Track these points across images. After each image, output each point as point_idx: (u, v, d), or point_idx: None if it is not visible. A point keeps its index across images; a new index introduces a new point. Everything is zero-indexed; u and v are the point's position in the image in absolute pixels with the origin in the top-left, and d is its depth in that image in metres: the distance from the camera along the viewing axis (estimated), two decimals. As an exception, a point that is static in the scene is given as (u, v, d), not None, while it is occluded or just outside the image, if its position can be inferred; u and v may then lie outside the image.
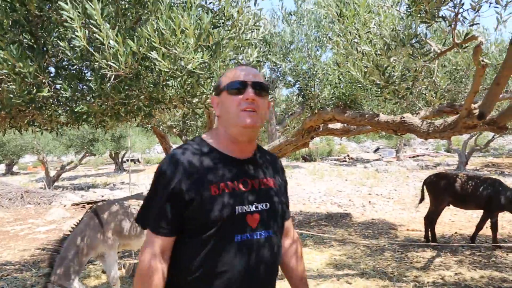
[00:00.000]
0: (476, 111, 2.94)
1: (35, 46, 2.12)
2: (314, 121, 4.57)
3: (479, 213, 6.34)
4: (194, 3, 1.83)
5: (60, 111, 2.55)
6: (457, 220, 8.13)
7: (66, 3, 1.73)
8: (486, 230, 6.36)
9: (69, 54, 1.90)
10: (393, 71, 3.20)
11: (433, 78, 3.38)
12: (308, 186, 14.56)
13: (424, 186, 6.55)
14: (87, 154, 18.29)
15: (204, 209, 1.25)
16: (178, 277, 1.30)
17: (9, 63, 1.76)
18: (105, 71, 1.90)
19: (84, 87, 2.34)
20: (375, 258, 5.71)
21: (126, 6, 2.14)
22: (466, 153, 19.28)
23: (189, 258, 1.28)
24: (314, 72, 4.53)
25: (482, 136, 21.08)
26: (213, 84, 2.54)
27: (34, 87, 2.03)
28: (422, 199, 6.61)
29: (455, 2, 2.41)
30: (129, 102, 2.32)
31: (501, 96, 3.76)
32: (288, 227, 1.59)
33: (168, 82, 2.25)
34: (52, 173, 17.17)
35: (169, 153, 1.37)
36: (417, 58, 2.88)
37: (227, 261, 1.26)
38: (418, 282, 4.65)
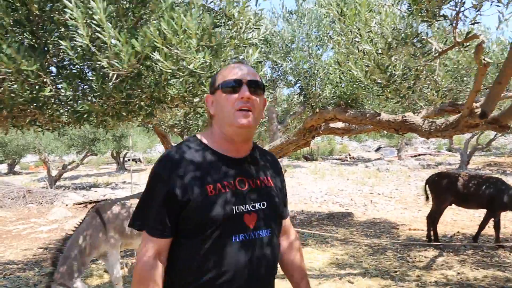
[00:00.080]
0: (478, 110, 2.93)
1: (36, 45, 2.13)
2: (316, 121, 4.57)
3: (481, 212, 6.33)
4: (197, 3, 1.83)
5: (61, 111, 2.56)
6: (459, 220, 8.12)
7: (70, 1, 1.74)
8: (489, 230, 6.35)
9: (71, 54, 1.90)
10: (394, 70, 3.19)
11: (435, 77, 3.38)
12: (310, 186, 14.55)
13: (427, 185, 6.54)
14: (88, 154, 18.31)
15: (200, 210, 1.23)
16: (176, 278, 1.29)
17: (14, 61, 1.76)
18: (107, 71, 1.90)
19: (85, 86, 2.34)
20: (377, 257, 5.70)
21: (127, 5, 2.14)
22: (467, 152, 19.25)
23: (187, 259, 1.27)
24: (315, 71, 4.53)
25: (484, 135, 21.05)
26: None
27: (37, 86, 2.04)
28: (427, 198, 6.57)
29: (456, 0, 2.40)
30: (130, 101, 2.33)
31: (503, 95, 3.75)
32: (286, 226, 1.58)
33: (169, 82, 2.26)
34: (54, 173, 17.21)
35: (164, 152, 1.35)
36: (418, 58, 2.88)
37: (225, 261, 1.25)
38: (420, 282, 4.65)
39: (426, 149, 35.21)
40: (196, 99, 2.61)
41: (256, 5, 2.45)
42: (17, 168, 29.15)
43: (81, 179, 21.66)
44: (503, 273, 4.86)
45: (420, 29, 2.96)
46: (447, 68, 3.89)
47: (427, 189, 6.52)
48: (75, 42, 1.87)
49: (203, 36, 1.86)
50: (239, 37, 2.38)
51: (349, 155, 31.72)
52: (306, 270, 1.59)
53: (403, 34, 2.87)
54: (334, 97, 4.32)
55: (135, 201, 4.27)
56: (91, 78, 2.25)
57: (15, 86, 2.03)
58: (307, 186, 14.41)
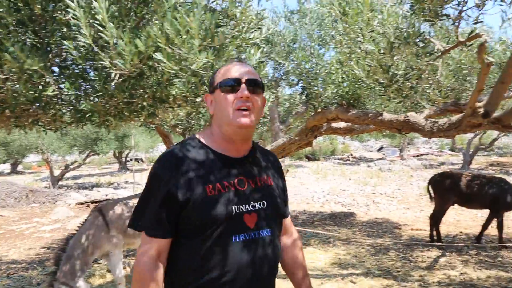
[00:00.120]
0: (481, 110, 2.92)
1: (39, 45, 2.13)
2: (318, 120, 4.56)
3: (484, 212, 6.31)
4: (200, 3, 1.83)
5: (64, 110, 2.56)
6: (462, 220, 8.09)
7: (72, 1, 1.74)
8: (492, 230, 6.32)
9: (74, 54, 1.90)
10: (397, 70, 3.18)
11: (437, 77, 3.37)
12: (312, 185, 14.54)
13: (429, 185, 6.51)
14: (91, 154, 18.35)
15: (200, 210, 1.23)
16: (177, 278, 1.29)
17: (18, 60, 1.77)
18: (109, 71, 1.90)
19: (87, 86, 2.35)
20: (380, 257, 5.70)
21: (129, 5, 2.14)
22: (470, 152, 19.18)
23: (187, 259, 1.27)
24: (317, 71, 4.52)
25: (486, 135, 20.94)
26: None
27: (40, 86, 2.04)
28: (431, 198, 6.51)
29: (459, 0, 2.40)
30: (132, 101, 2.33)
31: (506, 94, 3.73)
32: (287, 225, 1.57)
33: (171, 82, 2.26)
34: (56, 173, 17.26)
35: (163, 153, 1.34)
36: (421, 57, 2.87)
37: (226, 262, 1.24)
38: (423, 282, 4.64)
39: (428, 149, 35.11)
40: (199, 99, 2.61)
41: (258, 5, 2.45)
42: (19, 167, 29.23)
43: (84, 179, 21.71)
44: (507, 274, 4.85)
45: (422, 28, 2.95)
46: (449, 68, 3.88)
47: (430, 189, 6.49)
48: (78, 42, 1.88)
49: (205, 37, 1.86)
50: (241, 37, 2.38)
51: (351, 155, 31.66)
52: (307, 269, 1.58)
53: (405, 34, 2.86)
54: (336, 97, 4.31)
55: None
56: (93, 78, 2.26)
57: (18, 85, 2.03)
58: (309, 186, 14.39)
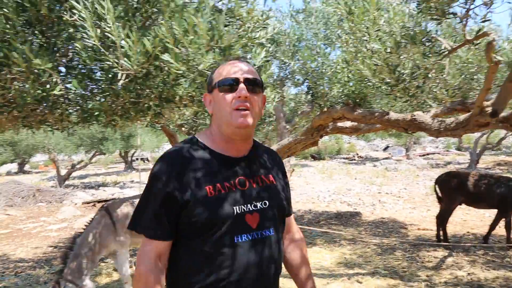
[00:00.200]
0: (489, 109, 2.90)
1: (46, 45, 2.15)
2: (324, 120, 4.55)
3: (491, 212, 6.26)
4: (208, 4, 1.83)
5: (70, 110, 2.58)
6: (469, 219, 8.03)
7: (78, 3, 1.75)
8: (499, 230, 6.27)
9: (83, 55, 1.91)
10: (403, 69, 3.17)
11: (444, 76, 3.34)
12: (317, 185, 14.51)
13: (436, 185, 6.46)
14: (97, 153, 18.45)
15: (200, 211, 1.21)
16: (179, 279, 1.28)
17: (26, 60, 1.78)
18: (116, 71, 1.91)
19: (93, 86, 2.36)
20: (386, 257, 5.67)
21: (135, 5, 2.15)
22: (477, 152, 19.03)
23: (188, 261, 1.25)
24: (323, 70, 4.50)
25: (493, 134, 20.77)
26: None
27: (47, 85, 2.06)
28: (439, 199, 6.44)
29: (466, -2, 2.38)
30: (139, 101, 2.34)
31: (514, 93, 3.69)
32: (290, 224, 1.55)
33: (178, 82, 2.26)
34: (63, 172, 17.37)
35: (163, 154, 1.33)
36: (428, 56, 2.85)
37: (228, 263, 1.22)
38: (430, 282, 4.61)
39: (435, 148, 34.89)
40: (205, 99, 2.61)
41: (264, 5, 2.45)
42: (27, 167, 29.46)
43: (90, 178, 21.84)
44: (514, 274, 4.81)
45: (429, 27, 2.93)
46: (456, 67, 3.85)
47: (437, 189, 6.44)
48: (85, 42, 1.89)
49: (213, 37, 1.86)
50: (247, 36, 2.37)
51: (357, 154, 31.55)
52: (311, 269, 1.56)
53: (412, 33, 2.84)
54: (342, 96, 4.29)
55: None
56: (100, 78, 2.27)
57: (26, 85, 2.05)
58: (314, 186, 14.37)
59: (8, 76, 2.04)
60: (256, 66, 2.40)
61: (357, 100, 4.19)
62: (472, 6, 2.40)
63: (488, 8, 2.33)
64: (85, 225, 3.78)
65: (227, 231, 1.23)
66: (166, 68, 2.07)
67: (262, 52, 2.46)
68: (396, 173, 17.69)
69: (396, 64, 3.09)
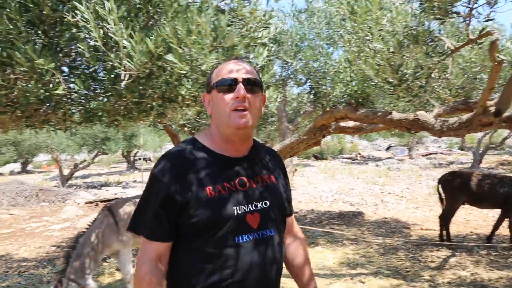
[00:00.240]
0: (492, 108, 2.88)
1: (48, 45, 2.15)
2: (326, 119, 4.54)
3: (494, 212, 6.24)
4: (211, 4, 1.83)
5: (73, 110, 2.59)
6: (472, 219, 8.01)
7: (81, 3, 1.75)
8: (503, 230, 6.24)
9: (88, 56, 1.91)
10: (406, 69, 3.16)
11: (447, 75, 3.33)
12: (320, 185, 14.50)
13: (439, 185, 6.44)
14: (99, 153, 18.49)
15: (201, 213, 1.20)
16: (179, 281, 1.27)
17: (29, 60, 1.79)
18: (119, 71, 1.91)
19: (97, 86, 2.37)
20: (389, 257, 5.66)
21: (137, 6, 2.15)
22: (480, 151, 18.97)
23: (189, 262, 1.25)
24: (326, 70, 4.50)
25: (497, 134, 20.70)
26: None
27: (50, 85, 2.06)
28: (441, 199, 6.38)
29: (470, -3, 2.37)
30: (142, 101, 2.34)
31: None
32: (291, 224, 1.54)
33: (181, 82, 2.26)
34: (66, 172, 17.42)
35: (162, 155, 1.32)
36: (431, 56, 2.84)
37: (229, 264, 1.22)
38: (433, 282, 4.60)
39: (437, 148, 34.81)
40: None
41: (267, 5, 2.45)
42: (29, 167, 29.58)
43: (92, 178, 21.90)
44: (518, 274, 4.79)
45: (432, 26, 2.92)
46: (459, 66, 3.83)
47: (440, 189, 6.41)
48: (87, 43, 1.89)
49: (217, 37, 1.86)
50: (249, 36, 2.37)
51: (359, 154, 31.52)
52: (312, 270, 1.55)
53: (414, 32, 2.84)
54: (345, 96, 4.29)
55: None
56: (103, 78, 2.27)
57: (28, 85, 2.06)
58: (317, 185, 14.36)
59: (11, 76, 2.04)
60: (258, 66, 2.40)
61: (360, 100, 4.18)
62: (475, 5, 2.39)
63: (491, 7, 2.32)
64: (88, 225, 3.79)
65: (228, 232, 1.22)
66: (169, 68, 2.07)
67: (265, 51, 2.46)
68: (399, 173, 17.65)
69: (399, 63, 3.08)
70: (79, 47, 1.96)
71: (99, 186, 17.04)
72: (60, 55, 2.25)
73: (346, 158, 30.52)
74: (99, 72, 2.39)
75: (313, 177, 17.41)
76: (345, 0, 3.28)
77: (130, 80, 2.04)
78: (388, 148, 34.82)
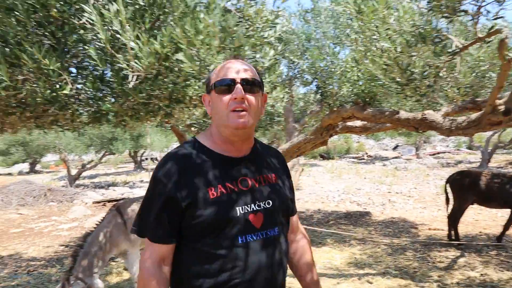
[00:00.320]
0: (501, 107, 2.85)
1: (56, 46, 2.17)
2: (333, 119, 4.53)
3: (504, 212, 6.17)
4: (219, 4, 1.83)
5: (81, 111, 2.61)
6: (481, 219, 7.93)
7: (88, 5, 1.76)
8: (512, 230, 6.18)
9: (96, 58, 1.92)
10: (414, 68, 3.13)
11: (455, 74, 3.30)
12: (326, 184, 14.45)
13: (447, 185, 6.37)
14: (107, 153, 18.60)
15: (203, 213, 1.20)
16: (183, 282, 1.27)
17: (35, 60, 1.80)
18: (126, 72, 1.92)
19: (104, 87, 2.38)
20: (397, 257, 5.63)
21: (142, 8, 2.16)
22: (488, 150, 18.78)
23: (192, 263, 1.24)
24: (332, 70, 4.48)
25: (505, 133, 20.48)
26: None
27: (58, 85, 2.08)
28: (447, 199, 6.29)
29: (478, -5, 2.34)
30: (149, 102, 2.35)
31: (527, 91, 3.63)
32: (294, 223, 1.53)
33: (187, 82, 2.27)
34: (74, 172, 17.56)
35: (163, 157, 1.32)
36: (439, 55, 2.82)
37: (233, 264, 1.21)
38: (441, 283, 4.56)
39: (445, 147, 34.54)
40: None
41: (273, 6, 2.45)
42: (38, 167, 29.83)
43: (100, 178, 22.04)
44: (528, 275, 4.73)
45: (439, 25, 2.90)
46: (468, 65, 3.80)
47: (447, 189, 6.34)
48: (95, 44, 1.90)
49: (225, 38, 1.86)
50: (256, 36, 2.37)
51: (366, 153, 31.37)
52: (316, 270, 1.53)
53: (422, 31, 2.81)
54: (352, 95, 4.27)
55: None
56: (110, 79, 2.28)
57: (36, 85, 2.07)
58: (323, 185, 14.31)
59: (19, 76, 2.06)
60: (265, 66, 2.39)
61: (367, 99, 4.16)
62: (483, 3, 2.37)
63: (500, 5, 2.29)
64: (96, 224, 3.81)
65: (231, 232, 1.22)
66: (176, 69, 2.07)
67: (271, 51, 2.46)
68: (406, 173, 17.54)
69: (406, 63, 3.06)
70: (86, 48, 1.97)
71: (107, 186, 17.14)
72: (68, 56, 2.26)
73: (353, 157, 30.40)
74: (107, 73, 2.40)
75: (320, 177, 17.36)
76: (352, -1, 3.26)
77: (137, 81, 2.05)
78: (395, 148, 34.60)
